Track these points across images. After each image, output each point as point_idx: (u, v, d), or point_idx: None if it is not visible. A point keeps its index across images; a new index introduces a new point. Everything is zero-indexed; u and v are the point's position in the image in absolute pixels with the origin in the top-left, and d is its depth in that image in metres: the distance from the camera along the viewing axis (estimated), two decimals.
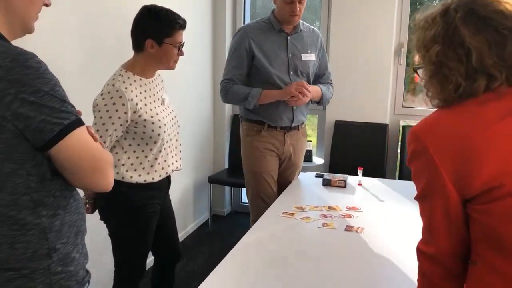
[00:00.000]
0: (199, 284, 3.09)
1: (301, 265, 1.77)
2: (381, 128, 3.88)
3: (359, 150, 3.90)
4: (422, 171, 1.07)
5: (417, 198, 1.12)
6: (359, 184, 2.82)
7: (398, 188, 2.80)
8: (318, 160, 3.99)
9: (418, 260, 1.14)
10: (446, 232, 1.06)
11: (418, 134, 1.07)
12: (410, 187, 2.93)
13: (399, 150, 3.98)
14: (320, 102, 2.76)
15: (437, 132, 1.05)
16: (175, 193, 3.71)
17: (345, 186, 2.77)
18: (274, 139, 2.69)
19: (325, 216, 2.27)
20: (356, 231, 2.09)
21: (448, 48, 1.02)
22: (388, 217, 2.29)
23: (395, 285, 1.66)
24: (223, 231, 4.16)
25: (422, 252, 1.12)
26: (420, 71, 1.16)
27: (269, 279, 1.68)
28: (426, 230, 1.11)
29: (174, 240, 2.45)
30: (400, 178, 3.82)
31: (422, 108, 4.14)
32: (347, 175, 2.87)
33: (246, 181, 2.78)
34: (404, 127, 3.91)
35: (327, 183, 2.79)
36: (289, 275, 1.70)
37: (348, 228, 2.12)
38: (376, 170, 3.73)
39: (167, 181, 2.28)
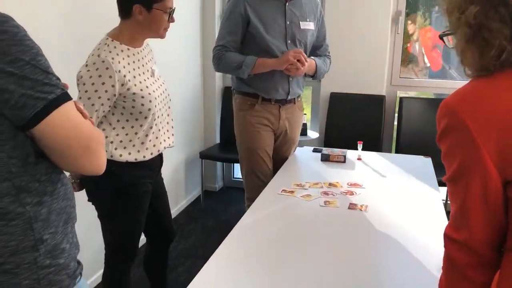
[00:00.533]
0: (193, 262, 2.99)
1: (305, 246, 1.67)
2: (378, 100, 3.76)
3: (355, 123, 3.78)
4: (457, 149, 0.95)
5: (448, 179, 1.00)
6: (359, 159, 2.71)
7: (398, 162, 2.70)
8: (313, 134, 3.87)
9: (446, 247, 1.03)
10: (482, 217, 0.95)
11: (454, 108, 0.94)
12: (410, 161, 2.88)
13: (395, 123, 3.87)
14: (314, 76, 2.62)
15: (476, 105, 0.92)
16: (165, 170, 3.57)
17: (344, 161, 2.66)
18: (269, 114, 2.55)
19: (326, 193, 2.17)
20: (360, 210, 1.99)
21: (488, 7, 0.89)
22: (392, 194, 2.19)
23: (403, 265, 1.57)
24: (215, 207, 4.06)
25: (451, 239, 1.01)
26: (447, 38, 1.03)
27: (273, 260, 1.57)
28: (458, 215, 0.99)
29: (167, 220, 2.33)
30: (396, 152, 3.73)
31: (421, 79, 4.03)
32: (346, 150, 2.76)
33: (240, 157, 2.65)
34: (401, 98, 3.80)
35: (325, 158, 2.67)
36: (292, 256, 1.59)
37: (352, 207, 2.02)
38: (373, 143, 3.63)
39: (159, 159, 2.15)
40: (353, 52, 3.75)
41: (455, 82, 3.78)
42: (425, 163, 2.72)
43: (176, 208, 3.84)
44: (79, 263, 1.14)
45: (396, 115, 3.85)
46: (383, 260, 1.60)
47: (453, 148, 0.97)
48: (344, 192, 2.19)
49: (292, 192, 2.17)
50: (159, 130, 2.03)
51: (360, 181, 2.35)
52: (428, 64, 7.04)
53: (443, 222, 1.88)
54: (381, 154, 2.90)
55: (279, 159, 2.68)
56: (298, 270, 1.51)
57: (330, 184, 2.29)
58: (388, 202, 2.08)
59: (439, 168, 3.55)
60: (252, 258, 1.60)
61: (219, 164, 4.39)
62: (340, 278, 1.47)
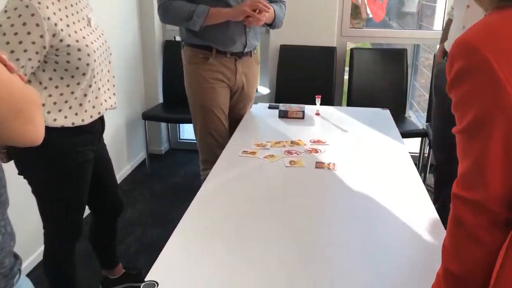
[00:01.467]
0: (142, 231, 2.78)
1: (275, 209, 1.51)
2: (329, 52, 3.61)
3: (306, 76, 3.63)
4: (476, 94, 0.80)
5: (461, 131, 0.86)
6: (317, 114, 2.57)
7: (356, 115, 2.59)
8: (263, 90, 3.68)
9: (455, 207, 0.90)
10: (503, 171, 0.82)
11: (476, 44, 0.78)
12: (369, 114, 2.78)
13: (346, 77, 3.76)
14: (273, 24, 2.40)
15: (502, 41, 0.77)
16: (105, 134, 3.28)
17: (303, 117, 2.51)
18: (224, 68, 2.32)
19: (289, 152, 2.01)
20: (328, 168, 1.85)
21: None
22: (357, 149, 2.07)
23: (379, 222, 1.45)
24: (162, 171, 3.82)
25: (462, 199, 0.88)
26: None
27: (242, 226, 1.40)
28: (473, 171, 0.86)
29: (114, 190, 2.10)
30: (348, 105, 3.64)
31: (372, 29, 3.92)
32: (303, 105, 2.60)
33: (193, 116, 2.42)
34: (352, 50, 3.67)
35: (283, 115, 2.51)
36: (262, 220, 1.43)
37: (319, 165, 1.88)
38: (325, 97, 3.50)
39: (100, 122, 1.89)
40: (303, 2, 3.54)
41: (410, 32, 3.72)
42: (384, 115, 2.63)
43: (119, 174, 3.57)
44: (16, 257, 0.91)
45: (347, 68, 3.74)
46: (358, 218, 1.47)
47: (470, 94, 0.82)
48: (308, 150, 2.04)
49: (253, 153, 1.99)
50: (99, 88, 1.76)
51: (323, 137, 2.21)
52: (371, 15, 6.99)
53: (413, 174, 1.79)
54: (338, 108, 2.77)
55: (235, 117, 2.48)
56: (269, 235, 1.36)
57: (292, 142, 2.13)
58: (355, 158, 1.96)
59: (398, 120, 3.54)
60: (219, 226, 1.42)
61: (163, 125, 4.12)
62: (314, 239, 1.34)
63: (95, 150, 1.85)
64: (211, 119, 2.33)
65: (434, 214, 1.49)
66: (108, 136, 3.36)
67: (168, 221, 3.01)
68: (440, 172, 2.56)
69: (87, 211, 1.94)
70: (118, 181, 3.52)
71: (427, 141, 3.27)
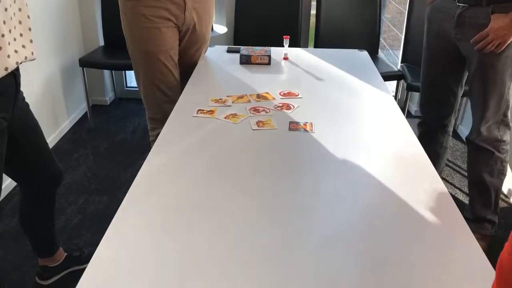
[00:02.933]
0: (86, 199, 2.38)
1: (242, 184, 1.15)
2: None
3: (268, 12, 3.18)
4: None
5: None
6: (285, 58, 2.18)
7: (331, 58, 2.21)
8: (219, 29, 3.21)
9: None
10: None
11: None
12: (345, 56, 2.39)
13: (313, 11, 3.33)
14: None
15: None
16: (35, 88, 2.77)
17: (269, 63, 2.11)
18: (169, 3, 1.85)
19: (256, 110, 1.63)
20: (305, 129, 1.49)
21: None
22: (336, 102, 1.71)
23: (375, 194, 1.13)
24: (108, 126, 3.36)
25: None
26: None
27: (201, 206, 1.05)
28: None
29: (47, 158, 1.67)
30: (315, 47, 3.24)
31: None
32: (269, 48, 2.20)
33: (134, 66, 1.97)
34: None
35: (246, 60, 2.10)
36: (226, 194, 1.08)
37: (293, 126, 1.51)
38: (291, 39, 3.08)
39: (13, 80, 1.43)
40: None
41: None
42: (362, 58, 2.26)
43: (56, 132, 3.10)
44: None
45: (314, 3, 3.30)
46: (346, 193, 1.14)
47: None
48: (278, 106, 1.66)
49: (211, 112, 1.60)
50: (3, 35, 1.30)
51: (295, 88, 1.84)
52: None
53: (403, 124, 1.46)
54: (309, 50, 2.38)
55: (186, 64, 2.05)
56: (236, 211, 1.01)
57: (258, 96, 1.75)
58: (335, 115, 1.61)
59: (377, 62, 3.19)
60: (175, 200, 1.06)
61: (106, 71, 3.61)
62: (290, 220, 1.00)
63: (9, 117, 1.42)
64: (157, 68, 1.89)
65: (439, 181, 1.18)
66: (39, 90, 2.87)
67: (116, 186, 2.62)
68: (426, 128, 2.25)
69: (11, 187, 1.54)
70: (56, 141, 3.08)
71: (404, 84, 2.95)
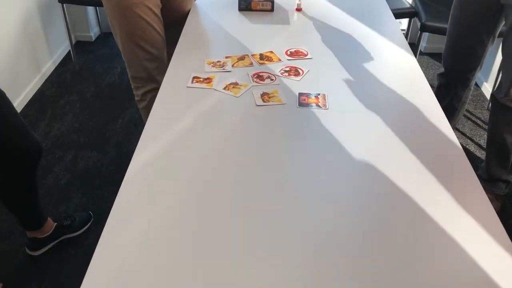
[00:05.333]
0: (75, 155, 2.24)
1: (241, 174, 0.99)
2: None
3: None
4: None
5: None
6: (298, 9, 1.89)
7: (339, 2, 1.95)
8: None
9: None
10: None
11: None
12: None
13: None
14: None
15: None
16: (12, 27, 2.49)
17: (272, 9, 1.85)
18: None
19: (260, 77, 1.42)
20: (317, 105, 1.30)
21: None
22: (351, 63, 1.50)
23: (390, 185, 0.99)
24: (95, 66, 3.11)
25: None
26: None
27: (201, 192, 0.90)
28: None
29: (20, 133, 1.49)
30: None
31: None
32: None
33: (108, 18, 1.71)
34: None
35: (245, 7, 1.84)
36: (229, 185, 0.93)
37: (303, 100, 1.32)
38: None
39: None
40: None
41: None
42: (378, 2, 2.00)
43: (39, 76, 2.85)
44: None
45: None
46: (363, 184, 0.99)
47: None
48: (284, 72, 1.45)
49: (209, 80, 1.39)
50: None
51: (305, 45, 1.61)
52: None
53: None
54: None
55: (173, 16, 1.79)
56: (242, 203, 0.87)
57: (261, 57, 1.52)
58: (350, 79, 1.40)
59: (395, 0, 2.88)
60: (169, 195, 0.91)
61: (90, 7, 3.28)
62: (306, 206, 0.86)
63: None
64: (134, 23, 1.62)
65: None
66: (17, 28, 2.58)
67: (105, 139, 2.44)
68: (446, 80, 2.04)
69: None
70: (39, 85, 2.85)
71: (417, 23, 2.69)
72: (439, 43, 3.24)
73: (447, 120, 1.25)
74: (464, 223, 0.93)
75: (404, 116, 1.26)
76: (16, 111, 1.49)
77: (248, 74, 1.43)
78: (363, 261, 0.84)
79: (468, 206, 0.97)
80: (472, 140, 2.50)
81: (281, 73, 1.44)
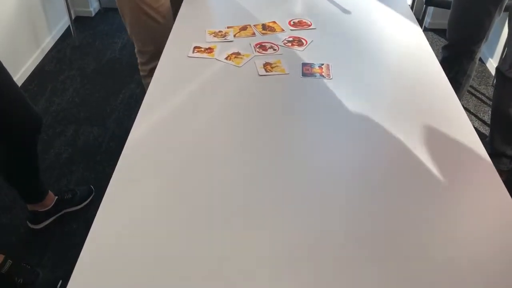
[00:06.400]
0: (76, 130, 2.22)
1: (244, 146, 0.98)
2: None
3: None
4: None
5: None
6: None
7: None
8: None
9: None
10: None
11: None
12: None
13: None
14: None
15: None
16: (4, 5, 2.45)
17: None
18: None
19: (262, 47, 1.39)
20: (321, 74, 1.27)
21: None
22: (356, 33, 1.47)
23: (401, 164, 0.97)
24: (95, 42, 3.07)
25: None
26: None
27: (202, 170, 0.89)
28: None
29: (19, 104, 1.47)
30: None
31: None
32: None
33: None
34: None
35: None
36: (232, 162, 0.92)
37: (307, 70, 1.29)
38: None
39: None
40: None
41: None
42: None
43: (38, 51, 2.82)
44: None
45: None
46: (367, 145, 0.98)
47: None
48: (287, 42, 1.42)
49: (210, 50, 1.36)
50: None
51: (308, 14, 1.58)
52: None
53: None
54: None
55: None
56: (244, 177, 0.86)
57: (264, 27, 1.49)
58: (354, 48, 1.37)
59: None
60: (169, 170, 0.90)
61: None
62: (308, 181, 0.85)
63: None
64: None
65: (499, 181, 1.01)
66: (16, 1, 2.53)
67: (105, 115, 2.42)
68: (451, 52, 2.01)
69: None
70: (39, 60, 2.82)
71: None
72: (443, 19, 3.18)
73: (454, 92, 1.22)
74: (471, 194, 0.92)
75: (410, 88, 1.23)
76: (14, 82, 1.47)
77: (250, 44, 1.40)
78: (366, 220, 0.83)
79: (476, 178, 0.96)
80: (476, 116, 2.48)
81: (284, 43, 1.41)
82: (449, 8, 2.47)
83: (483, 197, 0.91)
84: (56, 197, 1.82)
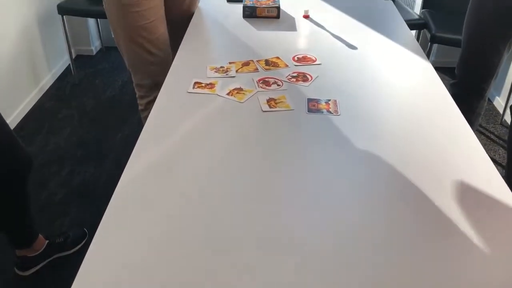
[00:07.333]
0: (71, 170, 2.15)
1: (246, 188, 0.89)
2: None
3: None
4: None
5: None
6: (306, 16, 1.81)
7: (349, 10, 1.87)
8: None
9: None
10: None
11: None
12: (364, 6, 2.04)
13: None
14: None
15: None
16: (10, 39, 2.42)
17: (277, 16, 1.77)
18: None
19: (266, 83, 1.32)
20: (328, 110, 1.20)
21: None
22: (364, 68, 1.41)
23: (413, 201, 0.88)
24: (95, 80, 3.04)
25: None
26: None
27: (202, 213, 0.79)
28: None
29: (8, 143, 1.39)
30: None
31: None
32: None
33: (109, 21, 1.63)
34: None
35: (250, 13, 1.76)
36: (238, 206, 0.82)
37: (313, 106, 1.22)
38: None
39: None
40: None
41: None
42: (388, 8, 1.92)
43: (37, 89, 2.77)
44: None
45: None
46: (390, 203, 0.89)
47: None
48: (292, 77, 1.36)
49: (211, 86, 1.30)
50: None
51: (310, 50, 1.52)
52: None
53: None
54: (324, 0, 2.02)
55: (176, 19, 1.71)
56: (245, 223, 0.76)
57: (267, 63, 1.44)
58: (362, 84, 1.31)
59: (403, 11, 2.81)
60: (164, 210, 0.80)
61: (91, 20, 3.23)
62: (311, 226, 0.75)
63: None
64: (138, 22, 1.53)
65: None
66: (16, 40, 2.51)
67: (103, 154, 2.34)
68: (460, 90, 1.94)
69: None
70: (37, 98, 2.77)
71: (427, 34, 2.61)
72: (447, 57, 3.16)
73: (467, 124, 1.15)
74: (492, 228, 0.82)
75: (421, 122, 1.16)
76: (3, 121, 1.40)
77: (253, 80, 1.33)
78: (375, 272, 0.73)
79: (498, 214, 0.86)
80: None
81: (288, 79, 1.35)
82: (453, 46, 2.44)
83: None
84: (47, 241, 1.72)
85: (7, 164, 1.39)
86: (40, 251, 1.69)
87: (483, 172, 0.99)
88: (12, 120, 2.50)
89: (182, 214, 0.85)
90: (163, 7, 1.62)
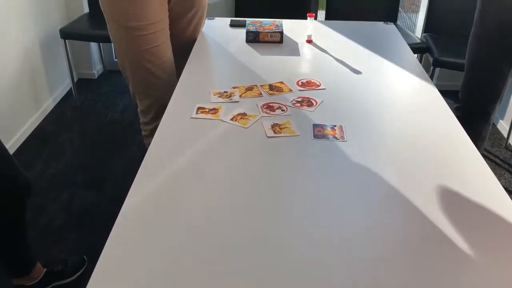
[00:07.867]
0: (71, 195, 2.11)
1: (255, 210, 0.86)
2: None
3: None
4: None
5: None
6: (309, 41, 1.81)
7: (352, 33, 1.87)
8: None
9: None
10: None
11: None
12: (367, 31, 2.03)
13: None
14: None
15: None
16: (12, 63, 2.42)
17: (281, 41, 1.77)
18: None
19: (270, 108, 1.31)
20: (334, 136, 1.18)
21: None
22: (369, 92, 1.39)
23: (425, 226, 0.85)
24: (96, 103, 3.03)
25: None
26: None
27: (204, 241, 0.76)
28: None
29: (7, 169, 1.37)
30: (327, 18, 2.87)
31: None
32: (280, 22, 1.85)
33: (114, 45, 1.62)
34: None
35: (253, 38, 1.76)
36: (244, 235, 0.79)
37: (319, 132, 1.20)
38: (293, 6, 2.72)
39: None
40: None
41: None
42: (390, 32, 1.92)
43: (38, 113, 2.76)
44: None
45: None
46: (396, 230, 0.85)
47: None
48: (296, 102, 1.34)
49: (215, 111, 1.28)
50: None
51: (315, 74, 1.51)
52: None
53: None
54: (326, 23, 2.02)
55: (178, 42, 1.70)
56: (249, 251, 0.73)
57: (271, 88, 1.42)
58: (369, 109, 1.29)
59: (404, 35, 2.83)
60: (167, 240, 0.77)
61: (93, 44, 3.24)
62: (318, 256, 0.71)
63: None
64: (142, 45, 1.53)
65: None
66: (17, 63, 2.51)
67: (104, 178, 2.32)
68: (464, 114, 1.92)
69: None
70: (38, 121, 2.75)
71: (429, 58, 2.61)
72: (450, 80, 3.16)
73: (476, 149, 1.13)
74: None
75: (429, 148, 1.14)
76: (2, 146, 1.38)
77: (257, 105, 1.32)
78: None
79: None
80: None
81: (292, 104, 1.33)
82: (456, 70, 2.44)
83: None
84: (45, 269, 1.68)
85: (6, 190, 1.36)
86: (38, 279, 1.64)
87: (497, 199, 0.96)
88: (13, 144, 2.48)
89: (185, 246, 0.82)
90: (169, 31, 1.62)
